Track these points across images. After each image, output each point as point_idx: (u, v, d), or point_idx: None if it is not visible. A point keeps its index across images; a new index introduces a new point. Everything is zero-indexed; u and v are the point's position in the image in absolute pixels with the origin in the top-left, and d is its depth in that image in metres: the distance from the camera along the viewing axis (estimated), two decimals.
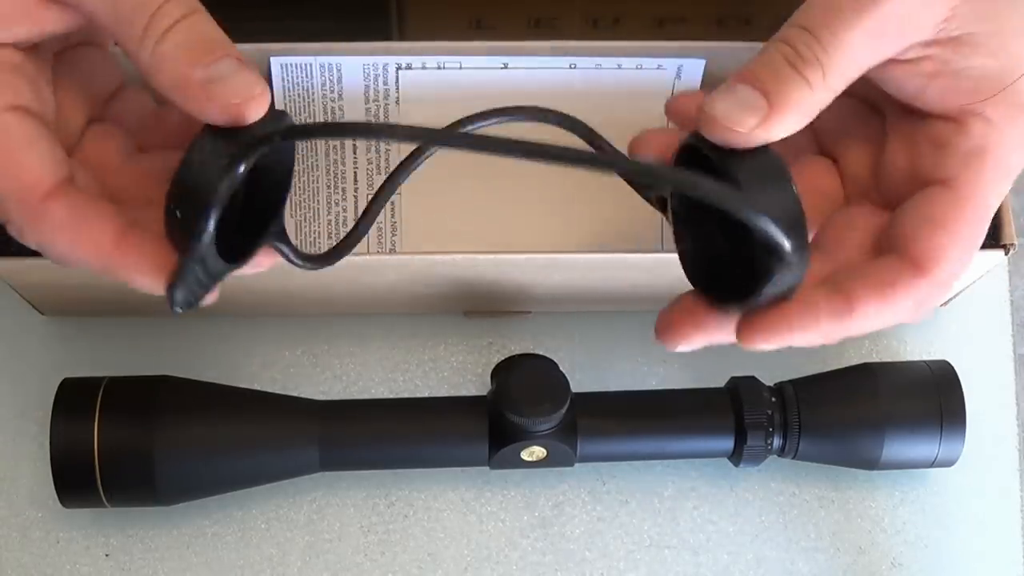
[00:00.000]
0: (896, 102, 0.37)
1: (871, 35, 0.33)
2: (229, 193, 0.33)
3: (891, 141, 0.38)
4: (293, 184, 0.53)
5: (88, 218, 0.34)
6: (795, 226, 0.33)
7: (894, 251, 0.35)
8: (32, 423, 0.52)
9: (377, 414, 0.50)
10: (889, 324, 0.35)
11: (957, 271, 0.35)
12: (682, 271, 0.44)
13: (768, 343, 0.35)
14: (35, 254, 0.47)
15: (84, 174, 0.37)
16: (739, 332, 0.35)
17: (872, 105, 0.39)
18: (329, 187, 0.53)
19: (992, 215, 0.36)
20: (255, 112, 0.33)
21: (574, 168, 0.32)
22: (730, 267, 0.37)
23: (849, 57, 0.33)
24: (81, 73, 0.38)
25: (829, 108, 0.35)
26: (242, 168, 0.33)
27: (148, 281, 0.35)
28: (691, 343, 0.37)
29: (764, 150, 0.34)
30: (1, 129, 0.33)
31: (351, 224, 0.53)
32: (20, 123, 0.34)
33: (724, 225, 0.37)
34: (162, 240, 0.35)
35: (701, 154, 0.35)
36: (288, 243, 0.37)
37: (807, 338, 0.35)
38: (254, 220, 0.37)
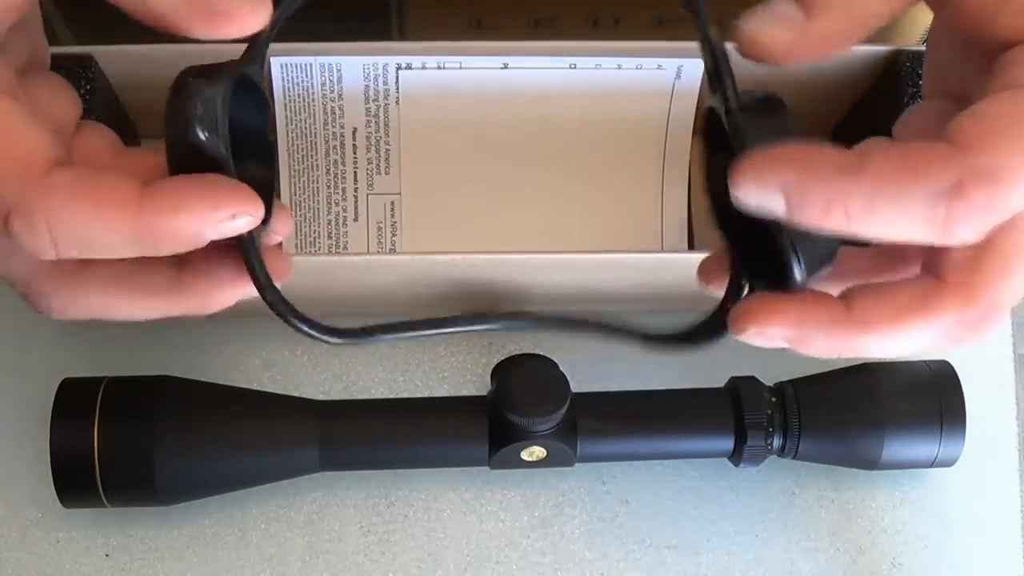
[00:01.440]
0: (975, 72, 0.34)
1: None
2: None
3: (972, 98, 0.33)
4: (293, 184, 0.53)
5: (101, 179, 0.30)
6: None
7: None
8: (32, 423, 0.52)
9: (377, 414, 0.50)
10: (916, 218, 0.28)
11: (1005, 165, 0.28)
12: (680, 271, 0.44)
13: (756, 327, 0.32)
14: None
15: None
16: (731, 318, 0.34)
17: (958, 100, 0.34)
18: (329, 187, 0.53)
19: None
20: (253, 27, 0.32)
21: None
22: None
23: None
24: (46, 94, 0.35)
25: (913, 127, 0.33)
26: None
27: (203, 212, 0.30)
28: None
29: (781, 110, 0.32)
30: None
31: (351, 224, 0.54)
32: (13, 106, 0.31)
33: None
34: (191, 181, 0.32)
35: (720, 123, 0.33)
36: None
37: (800, 329, 0.32)
38: None
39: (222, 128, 0.32)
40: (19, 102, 0.32)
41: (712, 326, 0.36)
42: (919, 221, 0.29)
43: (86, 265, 0.34)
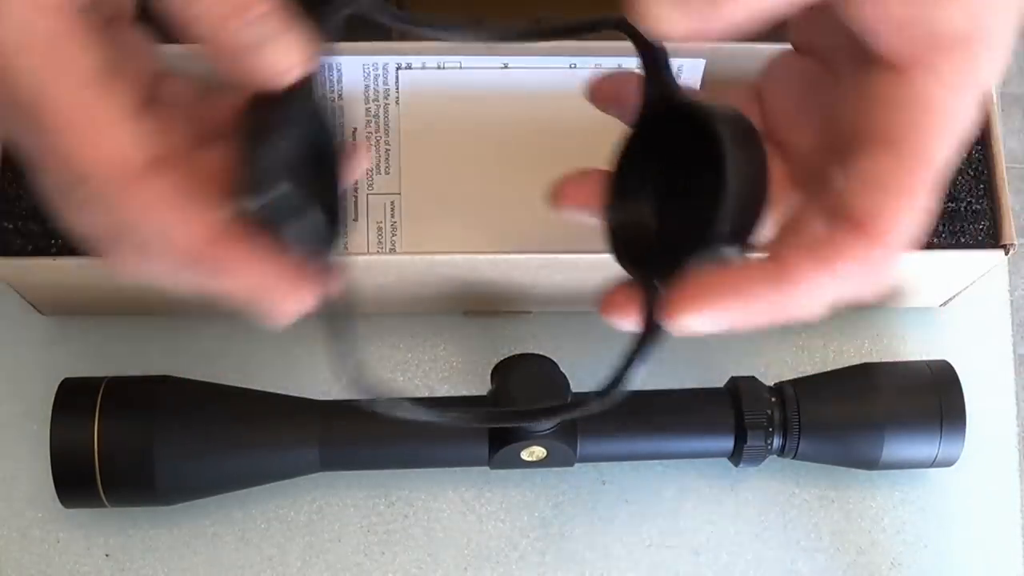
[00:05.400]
0: (846, 47, 0.34)
1: None
2: None
3: (838, 98, 0.35)
4: None
5: (193, 198, 0.31)
6: (749, 204, 0.33)
7: (834, 214, 0.33)
8: (32, 423, 0.52)
9: (377, 414, 0.50)
10: (839, 293, 0.33)
11: (903, 232, 0.32)
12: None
13: (696, 313, 0.32)
14: (35, 254, 0.47)
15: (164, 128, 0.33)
16: (665, 309, 0.33)
17: (826, 62, 0.36)
18: None
19: (938, 175, 0.33)
20: (290, 80, 0.31)
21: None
22: (658, 244, 0.36)
23: None
24: (133, 50, 0.34)
25: (779, 82, 0.34)
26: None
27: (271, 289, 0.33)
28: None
29: (736, 115, 0.33)
30: (91, 97, 0.30)
31: (351, 224, 0.53)
32: (112, 100, 0.31)
33: (663, 194, 0.36)
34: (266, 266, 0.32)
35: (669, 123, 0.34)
36: None
37: (742, 309, 0.32)
38: None
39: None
40: (117, 96, 0.31)
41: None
42: (846, 293, 0.32)
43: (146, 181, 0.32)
